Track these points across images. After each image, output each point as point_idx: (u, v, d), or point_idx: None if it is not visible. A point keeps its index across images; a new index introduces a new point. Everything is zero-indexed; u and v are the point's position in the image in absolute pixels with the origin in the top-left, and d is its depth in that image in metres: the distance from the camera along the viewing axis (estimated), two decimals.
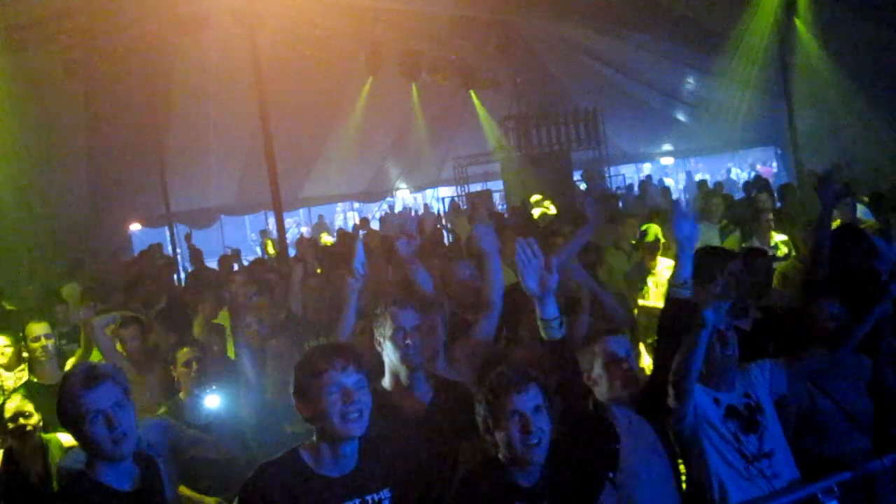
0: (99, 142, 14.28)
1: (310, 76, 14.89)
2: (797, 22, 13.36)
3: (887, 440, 3.46)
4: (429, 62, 16.52)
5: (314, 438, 2.45)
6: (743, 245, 6.81)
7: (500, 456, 2.56)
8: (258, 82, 11.83)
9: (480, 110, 19.03)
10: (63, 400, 2.48)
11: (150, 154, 14.75)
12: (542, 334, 2.85)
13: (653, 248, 6.45)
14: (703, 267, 3.62)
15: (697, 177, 23.89)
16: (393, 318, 3.19)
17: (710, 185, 16.93)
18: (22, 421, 4.08)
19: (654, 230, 6.54)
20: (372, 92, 17.01)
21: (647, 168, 24.84)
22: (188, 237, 10.86)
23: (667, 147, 23.47)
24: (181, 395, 4.33)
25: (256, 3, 11.79)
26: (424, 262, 4.05)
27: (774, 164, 23.37)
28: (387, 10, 14.26)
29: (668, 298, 3.17)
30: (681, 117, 20.64)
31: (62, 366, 5.13)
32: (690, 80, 18.10)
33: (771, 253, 6.15)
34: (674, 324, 3.06)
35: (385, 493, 2.47)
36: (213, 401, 3.68)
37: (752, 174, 19.82)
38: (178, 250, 15.42)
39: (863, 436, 3.50)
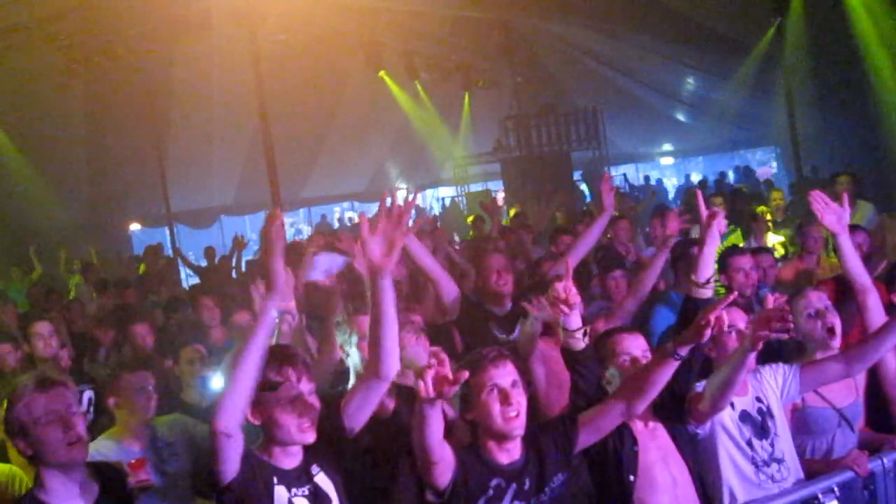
0: (99, 142, 14.28)
1: (310, 76, 14.89)
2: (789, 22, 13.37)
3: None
4: (429, 62, 16.52)
5: (261, 441, 2.46)
6: (742, 245, 6.82)
7: (478, 433, 2.57)
8: (258, 82, 11.82)
9: (465, 113, 19.04)
10: (13, 405, 2.31)
11: (150, 154, 14.75)
12: (564, 344, 2.85)
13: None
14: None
15: (695, 177, 23.88)
16: (358, 326, 3.24)
17: (710, 183, 16.96)
18: None
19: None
20: (374, 91, 17.02)
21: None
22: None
23: (667, 147, 23.48)
24: (181, 394, 4.30)
25: (256, 4, 11.78)
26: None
27: (774, 164, 23.38)
28: (387, 10, 14.28)
29: (693, 299, 3.12)
30: (681, 117, 20.65)
31: None
32: (690, 80, 18.11)
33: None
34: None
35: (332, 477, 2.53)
36: (219, 382, 3.62)
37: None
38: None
39: (852, 434, 3.39)
